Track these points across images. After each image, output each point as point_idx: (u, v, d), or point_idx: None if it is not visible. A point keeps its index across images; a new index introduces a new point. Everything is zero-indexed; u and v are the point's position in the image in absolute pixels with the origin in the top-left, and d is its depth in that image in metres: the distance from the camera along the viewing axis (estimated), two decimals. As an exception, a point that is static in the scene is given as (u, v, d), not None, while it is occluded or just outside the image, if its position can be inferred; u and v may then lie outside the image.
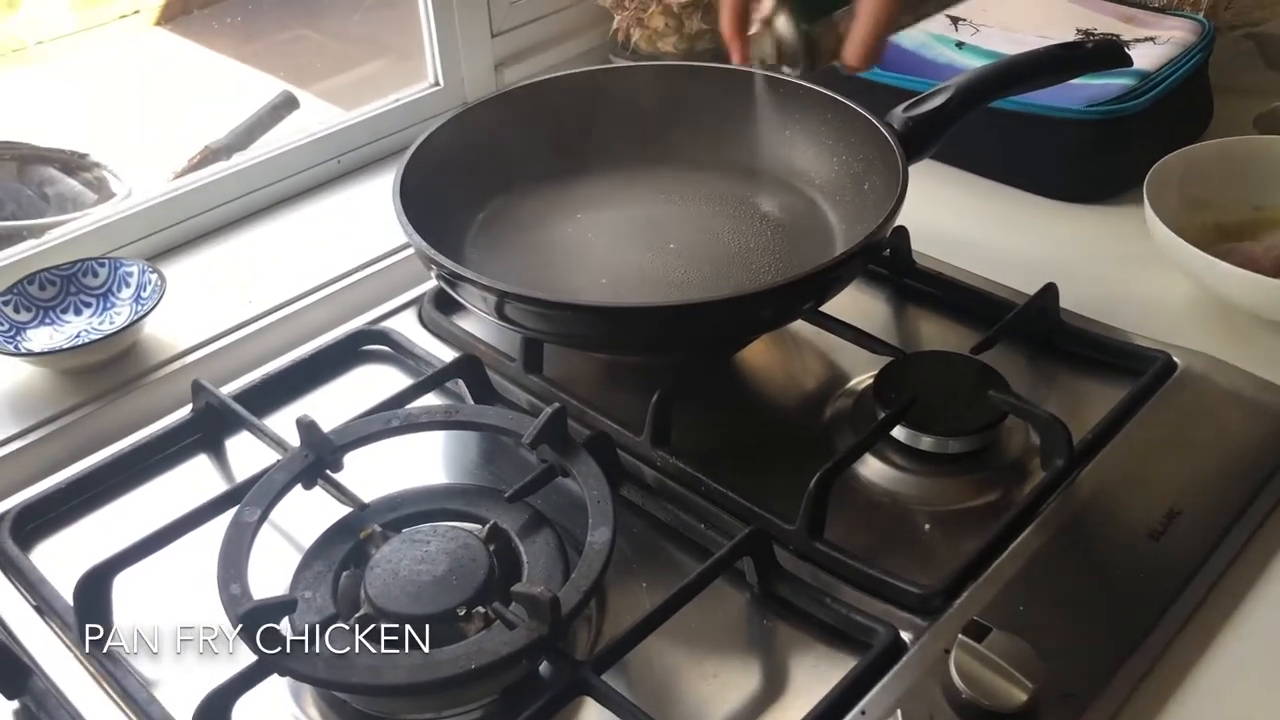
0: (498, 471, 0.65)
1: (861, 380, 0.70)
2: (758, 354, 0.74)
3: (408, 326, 0.76)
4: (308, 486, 0.59)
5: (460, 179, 0.77)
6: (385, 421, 0.62)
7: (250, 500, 0.57)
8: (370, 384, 0.73)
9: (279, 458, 0.61)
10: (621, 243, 0.76)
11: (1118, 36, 0.94)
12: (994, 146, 0.90)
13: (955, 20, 1.00)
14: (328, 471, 0.60)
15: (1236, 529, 0.59)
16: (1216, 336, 0.72)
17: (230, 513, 0.57)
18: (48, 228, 0.89)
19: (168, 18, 1.87)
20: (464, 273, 0.63)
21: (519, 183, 0.80)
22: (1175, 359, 0.69)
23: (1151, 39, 0.93)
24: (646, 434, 0.64)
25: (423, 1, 0.92)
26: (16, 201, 1.11)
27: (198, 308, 0.78)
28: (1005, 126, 0.88)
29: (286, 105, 1.23)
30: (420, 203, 0.69)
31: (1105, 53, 0.78)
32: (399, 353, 0.74)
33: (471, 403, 0.69)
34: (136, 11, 1.87)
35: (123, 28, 1.85)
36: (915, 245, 0.78)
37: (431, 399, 0.69)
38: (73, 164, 1.19)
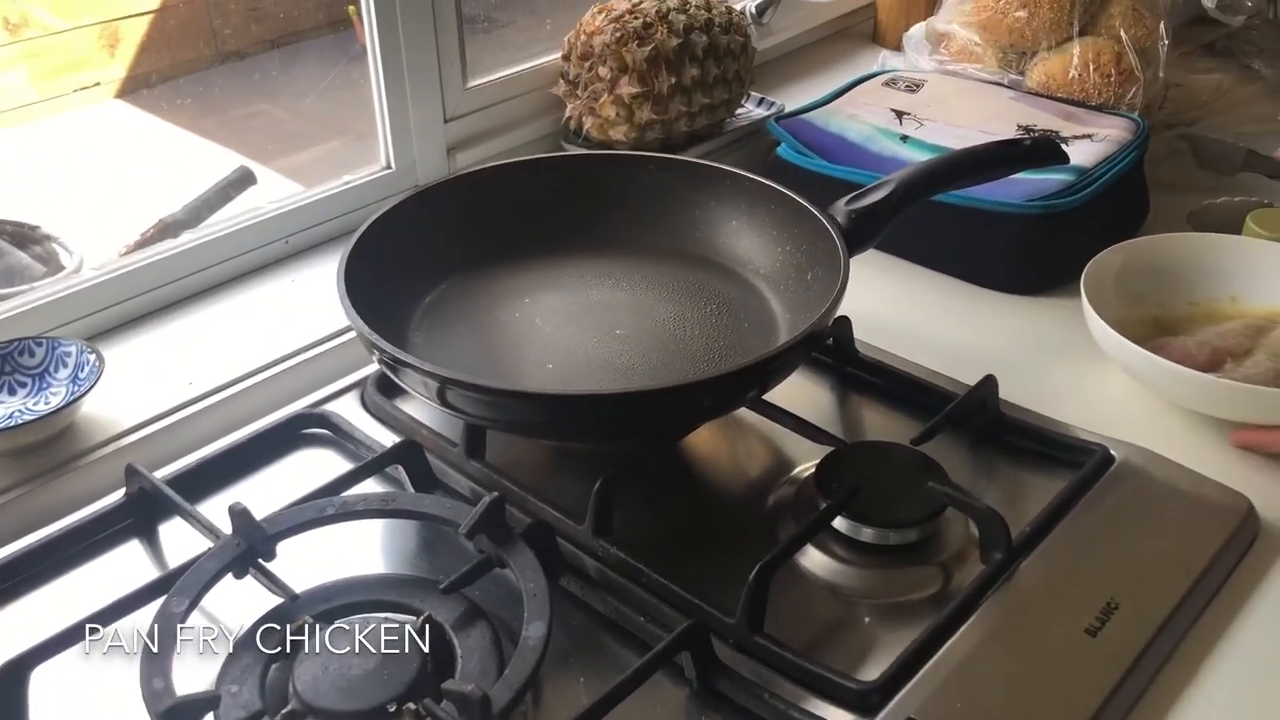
0: (436, 561, 0.64)
1: (804, 469, 0.70)
2: (703, 440, 0.74)
3: (350, 410, 0.75)
4: (238, 576, 0.58)
5: (407, 263, 0.77)
6: (320, 510, 0.61)
7: (178, 590, 0.56)
8: (310, 468, 0.72)
9: (211, 545, 0.60)
10: (569, 328, 0.76)
11: (1056, 133, 0.97)
12: (937, 238, 0.91)
13: (900, 114, 1.03)
14: (260, 560, 0.58)
15: (1173, 624, 0.59)
16: (1153, 429, 0.73)
17: (158, 602, 0.56)
18: (-13, 304, 0.87)
19: (127, 91, 1.87)
20: (405, 358, 0.63)
21: (467, 267, 0.81)
22: (1113, 452, 0.69)
23: (1089, 136, 0.96)
24: (588, 523, 0.64)
25: (375, 85, 0.93)
26: (-42, 276, 1.09)
27: (137, 389, 0.77)
28: (948, 219, 0.89)
29: (243, 180, 1.23)
30: (365, 286, 0.69)
31: (1043, 149, 0.80)
32: (339, 437, 0.73)
33: (411, 489, 0.68)
34: (97, 84, 1.87)
35: (82, 99, 1.86)
36: (859, 334, 0.79)
37: (371, 485, 0.68)
38: (23, 236, 1.18)
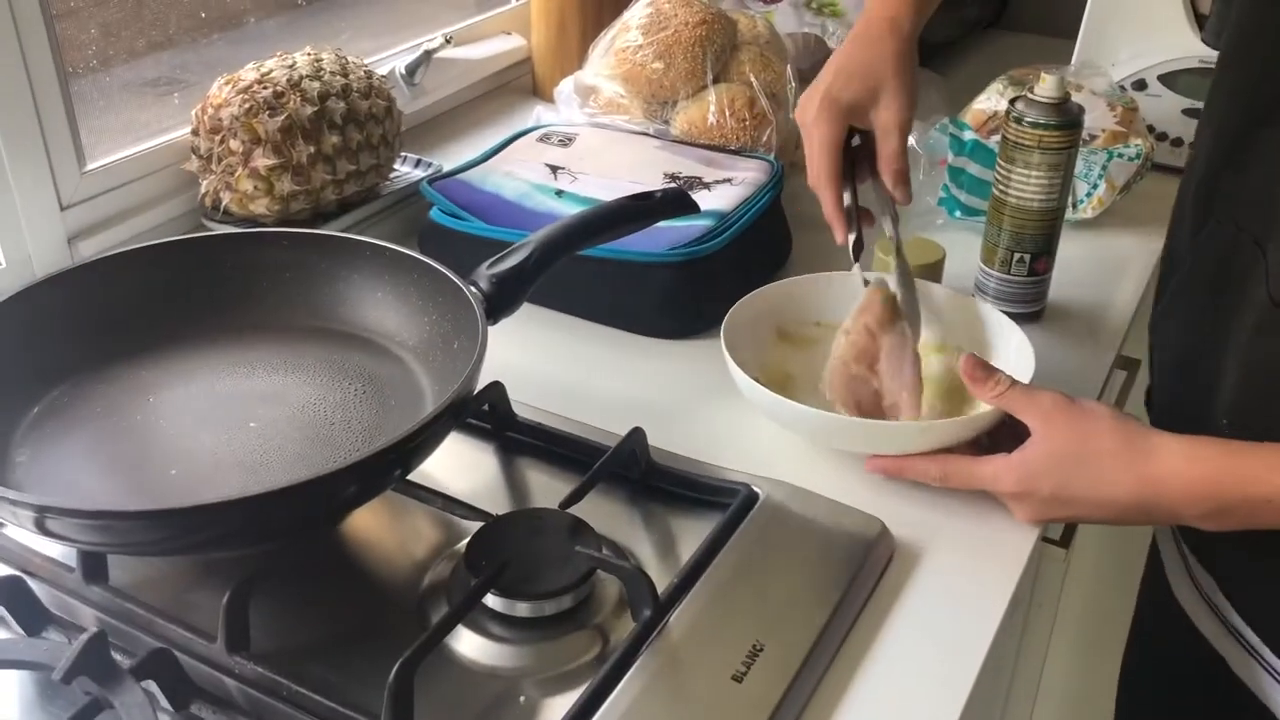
0: (52, 709, 0.58)
1: (464, 544, 0.68)
2: (363, 522, 0.71)
3: (-57, 547, 0.67)
4: None
5: (9, 371, 0.70)
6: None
7: None
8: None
9: None
10: (196, 426, 0.71)
11: (699, 179, 1.00)
12: (594, 291, 0.92)
13: (555, 169, 1.04)
14: None
15: (815, 656, 0.61)
16: (795, 464, 0.76)
17: None
18: None
19: None
20: (-11, 488, 0.56)
21: (84, 369, 0.74)
22: (756, 489, 0.71)
23: (729, 180, 1.00)
24: (220, 640, 0.59)
25: (-27, 177, 0.85)
26: None
27: None
28: (601, 272, 0.90)
29: None
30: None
31: (673, 201, 0.82)
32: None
33: (19, 630, 0.61)
34: None
35: None
36: (521, 394, 0.78)
37: (-32, 633, 0.61)
38: None
